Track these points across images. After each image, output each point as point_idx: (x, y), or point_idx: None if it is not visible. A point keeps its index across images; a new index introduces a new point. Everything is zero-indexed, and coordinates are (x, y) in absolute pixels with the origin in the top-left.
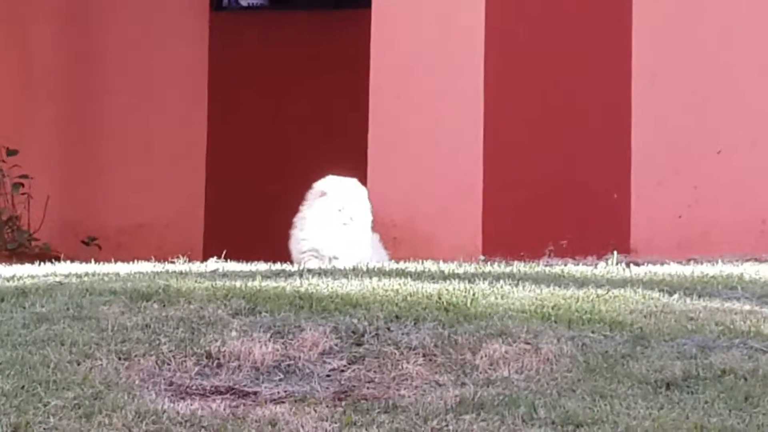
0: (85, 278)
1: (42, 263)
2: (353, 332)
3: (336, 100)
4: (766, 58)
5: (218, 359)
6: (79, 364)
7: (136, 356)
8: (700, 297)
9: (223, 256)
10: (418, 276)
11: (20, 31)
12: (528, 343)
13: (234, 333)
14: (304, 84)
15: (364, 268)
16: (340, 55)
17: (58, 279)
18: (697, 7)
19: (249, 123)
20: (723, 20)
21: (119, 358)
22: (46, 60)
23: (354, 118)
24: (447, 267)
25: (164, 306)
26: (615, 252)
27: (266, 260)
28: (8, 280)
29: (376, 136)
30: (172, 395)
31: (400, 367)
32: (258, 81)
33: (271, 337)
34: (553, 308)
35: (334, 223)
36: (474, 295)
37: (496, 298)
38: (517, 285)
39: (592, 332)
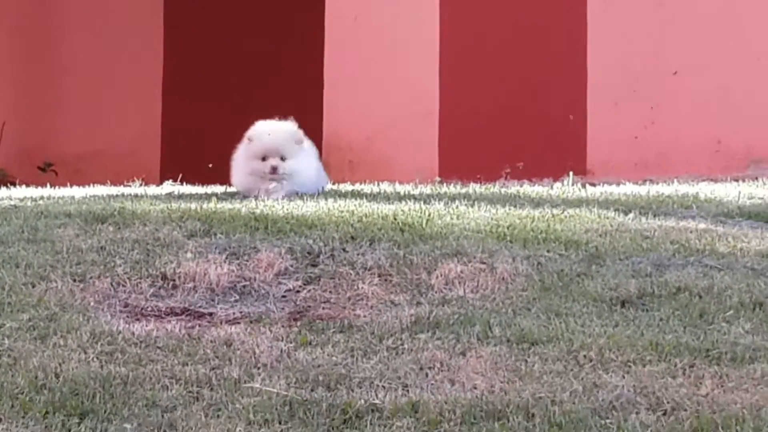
0: (41, 202)
1: None
2: (309, 253)
3: (292, 26)
4: None
5: (173, 281)
6: (33, 287)
7: (91, 278)
8: (655, 216)
9: (179, 179)
10: (373, 197)
11: None
12: (483, 263)
13: (189, 254)
14: (260, 10)
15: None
16: None
17: (12, 203)
18: None
19: (205, 50)
20: None
21: (74, 280)
22: None
23: (310, 44)
24: (403, 188)
25: (119, 228)
26: (571, 173)
27: (222, 184)
28: None
29: (332, 60)
30: (128, 317)
31: (355, 287)
32: (213, 8)
33: (226, 258)
34: (508, 228)
35: (256, 172)
36: (429, 215)
37: (452, 219)
38: (472, 205)
39: (548, 251)
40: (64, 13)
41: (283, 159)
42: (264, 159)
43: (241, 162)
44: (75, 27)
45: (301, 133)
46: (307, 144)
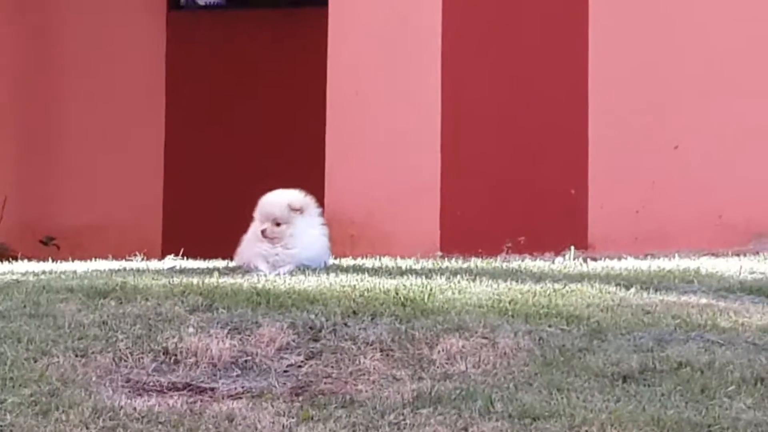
0: (42, 276)
1: None
2: (310, 328)
3: (294, 99)
4: (721, 53)
5: (175, 355)
6: (35, 361)
7: (93, 353)
8: (656, 291)
9: (180, 254)
10: (375, 272)
11: None
12: (485, 338)
13: (191, 329)
14: (262, 83)
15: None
16: (298, 53)
17: (14, 277)
18: (652, 6)
19: (207, 122)
20: (679, 18)
21: (76, 355)
22: (2, 60)
23: (313, 118)
24: (404, 263)
25: (121, 303)
26: (572, 248)
27: (224, 258)
28: None
29: (334, 134)
30: (129, 392)
31: (357, 362)
32: (216, 81)
33: (228, 333)
34: (510, 303)
35: (259, 242)
36: (431, 290)
37: (453, 293)
38: (474, 280)
39: (549, 326)
40: (62, 87)
41: (278, 225)
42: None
43: (249, 234)
44: (74, 100)
45: (301, 201)
46: (315, 213)
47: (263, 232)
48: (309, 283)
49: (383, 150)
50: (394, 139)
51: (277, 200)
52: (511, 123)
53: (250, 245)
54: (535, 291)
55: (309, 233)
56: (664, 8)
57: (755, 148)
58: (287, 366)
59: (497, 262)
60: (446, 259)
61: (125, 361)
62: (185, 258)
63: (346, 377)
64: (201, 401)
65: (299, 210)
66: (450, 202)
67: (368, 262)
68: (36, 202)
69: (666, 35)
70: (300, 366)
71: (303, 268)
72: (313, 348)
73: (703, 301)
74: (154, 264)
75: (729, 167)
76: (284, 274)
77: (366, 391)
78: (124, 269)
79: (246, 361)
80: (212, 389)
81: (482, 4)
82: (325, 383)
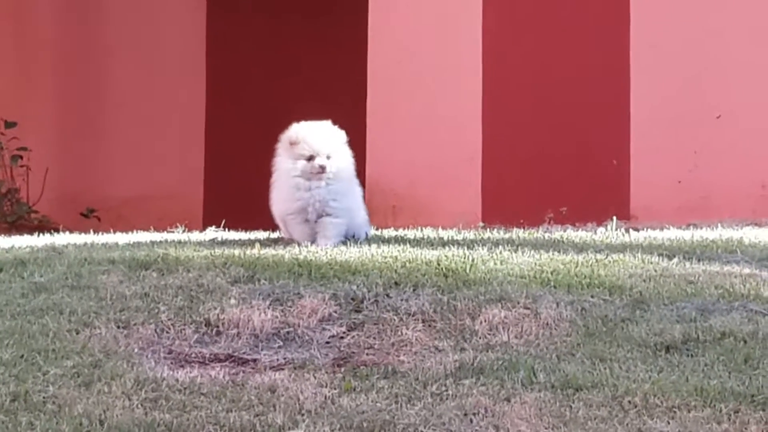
0: (84, 248)
1: (41, 235)
2: (352, 299)
3: (335, 69)
4: (763, 22)
5: (217, 327)
6: (78, 333)
7: (135, 324)
8: (699, 261)
9: (222, 225)
10: (417, 242)
11: (17, 3)
12: (527, 308)
13: (233, 301)
14: (304, 52)
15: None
16: (340, 23)
17: (56, 249)
18: None
19: (248, 92)
20: None
21: (118, 327)
22: (45, 32)
23: (354, 87)
24: (446, 234)
25: (163, 274)
26: (614, 218)
27: (266, 229)
28: (7, 251)
29: (376, 104)
30: (172, 363)
31: (399, 333)
32: (257, 50)
33: (270, 304)
34: (552, 273)
35: (307, 176)
36: (473, 261)
37: (495, 264)
38: (516, 251)
39: (592, 297)
40: (106, 59)
41: (328, 158)
42: (310, 159)
43: (283, 177)
44: (117, 72)
45: (344, 133)
46: (356, 182)
47: (322, 168)
48: (351, 254)
49: (425, 120)
50: (435, 110)
51: (328, 131)
52: (554, 93)
53: (291, 193)
54: (577, 261)
55: (347, 160)
56: None
57: None
58: (329, 337)
59: (539, 233)
60: (488, 229)
61: (167, 332)
62: (226, 229)
63: (388, 348)
64: (243, 372)
65: (345, 142)
66: (492, 173)
67: (410, 233)
68: (77, 175)
69: (708, 5)
70: (342, 337)
71: (346, 240)
72: (355, 319)
73: (746, 271)
74: (196, 235)
75: None
76: (332, 246)
77: (408, 362)
78: (166, 241)
79: (288, 332)
80: (254, 360)
81: None
82: (367, 354)
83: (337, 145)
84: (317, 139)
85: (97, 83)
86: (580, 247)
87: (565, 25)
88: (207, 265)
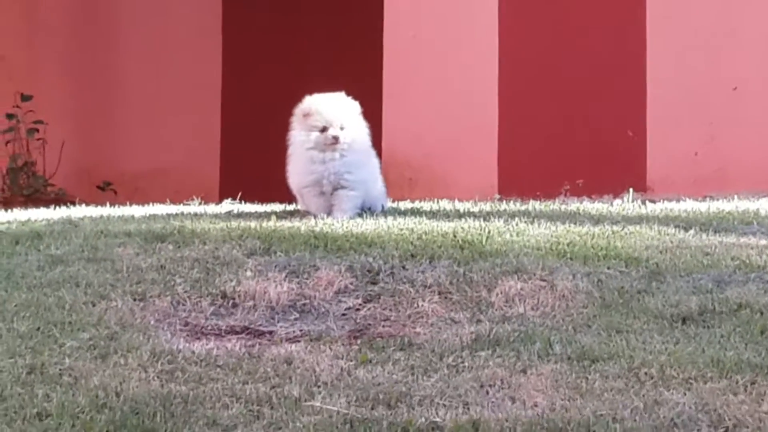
0: (100, 221)
1: (57, 208)
2: (368, 271)
3: (351, 42)
4: None
5: (233, 299)
6: (94, 306)
7: (151, 297)
8: (716, 232)
9: (238, 197)
10: (433, 214)
11: None
12: (543, 280)
13: (249, 273)
14: (319, 27)
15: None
16: None
17: (72, 222)
18: None
19: (264, 66)
20: None
21: (134, 299)
22: (59, 5)
23: (370, 61)
24: (462, 206)
25: (179, 247)
26: (631, 190)
27: (282, 202)
28: (23, 224)
29: (391, 77)
30: (188, 335)
31: (415, 305)
32: (273, 24)
33: (286, 276)
34: (568, 245)
35: (321, 148)
36: (489, 232)
37: (512, 236)
38: (532, 222)
39: (608, 268)
40: (121, 33)
41: (342, 129)
42: (323, 131)
43: (298, 149)
44: (132, 46)
45: (357, 104)
46: (372, 154)
47: (336, 139)
48: (367, 226)
49: (441, 93)
50: (451, 82)
51: (341, 102)
52: (569, 65)
53: (305, 165)
54: (593, 233)
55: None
56: None
57: None
58: (345, 309)
59: (555, 205)
60: (504, 201)
61: (183, 304)
62: (243, 202)
63: (404, 320)
64: (259, 344)
65: (359, 113)
66: (508, 145)
67: (426, 205)
68: (93, 148)
69: None
70: (358, 309)
71: (362, 212)
72: (371, 291)
73: (763, 242)
74: (212, 208)
75: None
76: (348, 218)
77: (424, 334)
78: (182, 213)
79: (304, 304)
80: (270, 332)
81: None
82: (383, 326)
83: (350, 116)
84: (330, 110)
85: (113, 56)
86: (597, 219)
87: None
88: (223, 237)
